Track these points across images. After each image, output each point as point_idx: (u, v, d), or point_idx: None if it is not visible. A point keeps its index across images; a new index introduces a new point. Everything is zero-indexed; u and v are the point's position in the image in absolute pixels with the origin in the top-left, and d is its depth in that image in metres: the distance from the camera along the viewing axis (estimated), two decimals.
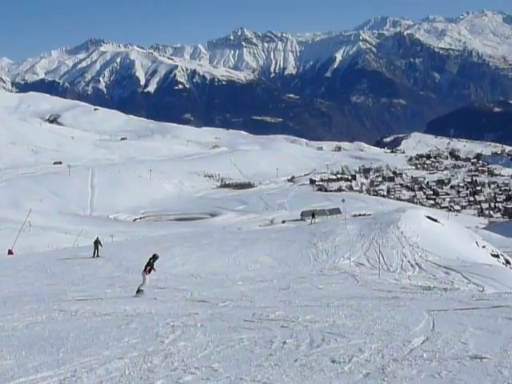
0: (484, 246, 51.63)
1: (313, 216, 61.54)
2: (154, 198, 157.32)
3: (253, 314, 14.84)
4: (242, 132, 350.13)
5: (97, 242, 38.29)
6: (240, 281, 26.38)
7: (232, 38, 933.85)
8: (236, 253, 38.41)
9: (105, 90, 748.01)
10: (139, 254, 35.62)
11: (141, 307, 16.70)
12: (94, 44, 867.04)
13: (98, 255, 37.52)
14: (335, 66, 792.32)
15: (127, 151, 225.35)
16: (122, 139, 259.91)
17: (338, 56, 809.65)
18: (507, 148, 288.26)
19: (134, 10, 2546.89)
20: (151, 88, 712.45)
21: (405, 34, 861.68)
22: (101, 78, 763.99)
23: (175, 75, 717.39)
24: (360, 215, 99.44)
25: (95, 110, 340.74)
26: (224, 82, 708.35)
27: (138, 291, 21.15)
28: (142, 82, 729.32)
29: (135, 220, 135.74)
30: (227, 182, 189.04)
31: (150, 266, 22.07)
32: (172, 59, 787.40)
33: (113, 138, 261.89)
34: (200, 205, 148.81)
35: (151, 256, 22.48)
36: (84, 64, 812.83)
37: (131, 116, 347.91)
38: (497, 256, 49.97)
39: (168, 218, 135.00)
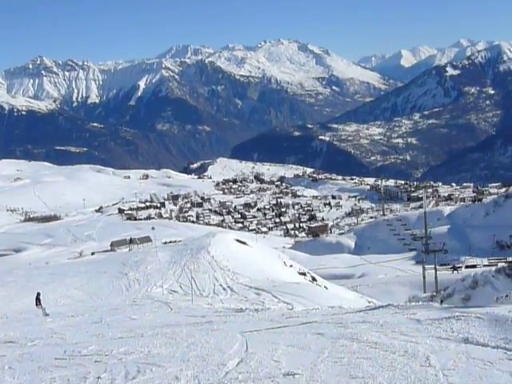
0: (291, 265, 53.64)
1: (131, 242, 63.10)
2: None
3: (64, 351, 14.34)
4: (46, 163, 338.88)
5: None
6: (49, 317, 25.41)
7: (31, 66, 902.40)
8: (44, 288, 37.04)
9: None
10: None
11: None
12: None
13: None
14: (139, 94, 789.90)
15: None
16: None
17: (142, 84, 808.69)
18: (308, 170, 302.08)
19: None
20: None
21: (206, 61, 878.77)
22: None
23: None
24: (171, 242, 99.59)
25: None
26: (24, 112, 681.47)
27: (47, 314, 28.49)
28: None
29: None
30: (31, 216, 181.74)
31: (37, 301, 30.69)
32: None
33: None
34: (2, 241, 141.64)
35: (36, 295, 31.22)
36: None
37: None
38: (304, 274, 52.10)
39: None
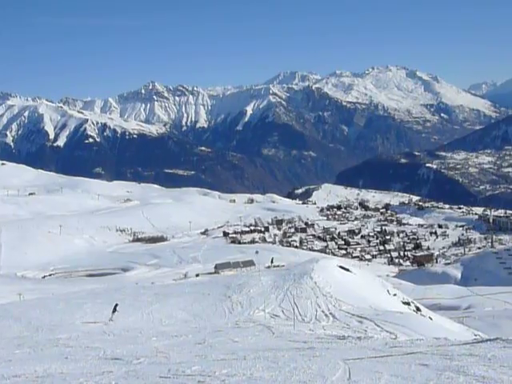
0: (395, 294, 52.64)
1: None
2: (64, 253, 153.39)
3: (168, 369, 14.58)
4: (154, 185, 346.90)
5: None
6: (154, 336, 25.93)
7: (143, 91, 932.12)
8: (150, 308, 37.85)
9: (12, 144, 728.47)
10: (49, 312, 34.51)
11: (52, 367, 16.14)
12: (0, 97, 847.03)
13: None
14: (246, 119, 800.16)
15: (36, 206, 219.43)
16: (31, 194, 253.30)
17: (249, 109, 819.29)
18: (414, 198, 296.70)
19: (43, 62, 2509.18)
20: (61, 142, 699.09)
21: (313, 88, 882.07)
22: (8, 132, 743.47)
23: (85, 129, 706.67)
24: (274, 266, 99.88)
25: (2, 164, 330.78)
26: (135, 136, 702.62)
27: (111, 320, 34.75)
28: (52, 136, 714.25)
29: (44, 277, 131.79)
30: (139, 236, 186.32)
31: (114, 310, 35.60)
32: (82, 113, 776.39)
33: (21, 193, 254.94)
34: (112, 260, 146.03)
35: (114, 306, 35.94)
36: None
37: (40, 170, 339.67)
38: (408, 303, 51.01)
39: (79, 274, 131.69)
